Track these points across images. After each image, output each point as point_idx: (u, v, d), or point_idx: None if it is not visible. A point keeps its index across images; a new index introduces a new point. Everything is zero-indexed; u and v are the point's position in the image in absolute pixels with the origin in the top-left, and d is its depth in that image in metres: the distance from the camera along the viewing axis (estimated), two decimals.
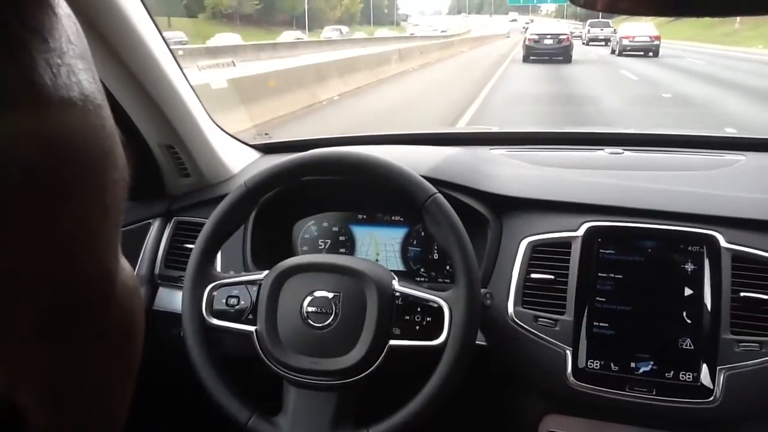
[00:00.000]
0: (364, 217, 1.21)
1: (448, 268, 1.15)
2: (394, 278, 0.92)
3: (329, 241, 1.21)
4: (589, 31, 26.28)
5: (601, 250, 0.98)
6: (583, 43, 24.87)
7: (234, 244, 1.10)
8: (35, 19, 0.21)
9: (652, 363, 0.93)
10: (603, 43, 23.80)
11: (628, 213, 1.00)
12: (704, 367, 0.90)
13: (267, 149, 1.40)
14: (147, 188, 1.22)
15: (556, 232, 1.01)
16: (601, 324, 0.96)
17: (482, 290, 0.90)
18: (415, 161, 1.05)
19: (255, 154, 1.37)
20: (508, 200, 1.08)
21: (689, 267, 0.94)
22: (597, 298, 0.96)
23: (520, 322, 0.98)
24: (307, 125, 6.84)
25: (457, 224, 0.88)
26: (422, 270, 1.17)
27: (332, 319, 0.90)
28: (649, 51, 17.72)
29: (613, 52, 19.24)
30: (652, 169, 1.17)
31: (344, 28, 39.74)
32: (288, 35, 30.34)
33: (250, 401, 0.91)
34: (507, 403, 1.14)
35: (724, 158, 1.22)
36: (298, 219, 1.23)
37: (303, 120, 7.11)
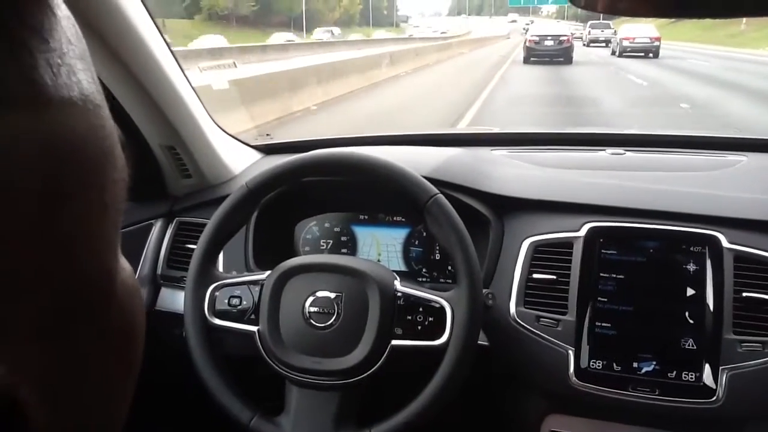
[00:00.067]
0: (366, 217, 1.21)
1: (449, 268, 1.15)
2: (396, 278, 0.92)
3: (331, 241, 1.21)
4: (589, 32, 26.31)
5: (603, 251, 0.98)
6: (584, 45, 24.90)
7: (236, 245, 1.10)
8: (35, 19, 0.21)
9: (654, 363, 0.93)
10: (604, 44, 23.82)
11: (629, 213, 1.00)
12: (707, 367, 0.90)
13: (268, 150, 1.40)
14: (149, 189, 1.23)
15: (557, 232, 1.01)
16: (604, 324, 0.96)
17: (484, 290, 0.90)
18: (416, 162, 1.05)
19: (256, 155, 1.38)
20: (509, 201, 1.08)
21: (691, 267, 0.94)
22: (599, 299, 0.96)
23: (522, 323, 0.98)
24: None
25: (458, 225, 0.88)
26: (424, 270, 1.17)
27: (334, 319, 0.90)
28: (649, 52, 17.73)
29: (613, 53, 19.26)
30: (654, 169, 1.17)
31: (336, 30, 38.60)
32: (278, 37, 28.89)
33: (252, 401, 0.91)
34: (509, 403, 1.14)
35: (726, 159, 1.22)
36: (300, 219, 1.23)
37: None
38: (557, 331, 0.96)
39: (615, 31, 22.12)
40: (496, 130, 1.59)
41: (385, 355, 0.87)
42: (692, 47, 22.96)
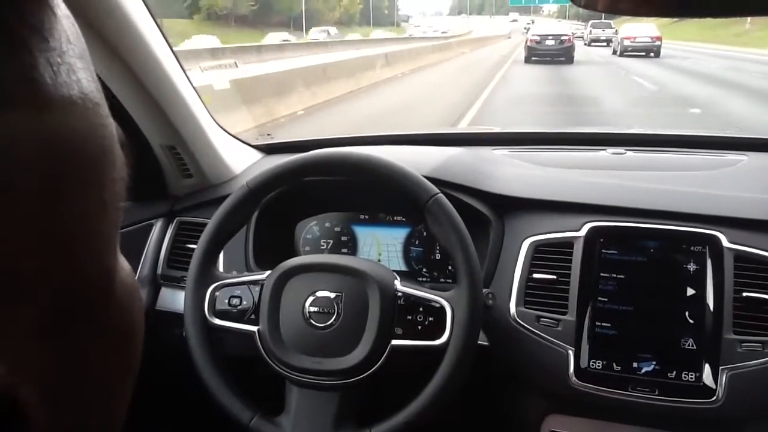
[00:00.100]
0: (366, 217, 1.21)
1: (450, 268, 1.15)
2: (396, 278, 0.92)
3: (331, 241, 1.21)
4: (590, 32, 26.30)
5: (603, 250, 0.98)
6: (585, 44, 24.89)
7: (236, 245, 1.10)
8: (35, 18, 0.21)
9: (654, 363, 0.93)
10: (605, 43, 23.81)
11: (630, 213, 1.00)
12: (707, 367, 0.90)
13: (269, 150, 1.40)
14: (149, 189, 1.23)
15: (558, 232, 1.01)
16: (604, 324, 0.96)
17: (484, 290, 0.90)
18: (417, 161, 1.05)
19: (257, 155, 1.38)
20: (510, 200, 1.08)
21: (691, 267, 0.94)
22: (599, 298, 0.96)
23: (522, 322, 0.98)
24: None
25: (459, 224, 0.88)
26: (424, 270, 1.17)
27: (334, 319, 0.90)
28: (650, 51, 17.71)
29: (614, 52, 19.24)
30: (655, 169, 1.17)
31: (333, 29, 36.68)
32: (274, 37, 27.66)
33: (252, 401, 0.91)
34: (509, 403, 1.14)
35: (727, 158, 1.22)
36: (301, 219, 1.23)
37: None
38: (557, 331, 0.96)
39: (616, 31, 22.11)
40: (497, 129, 1.59)
41: (385, 354, 0.87)
42: (696, 47, 22.89)
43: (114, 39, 0.94)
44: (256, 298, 0.94)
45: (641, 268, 0.96)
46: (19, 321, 0.20)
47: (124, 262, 0.27)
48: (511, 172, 1.16)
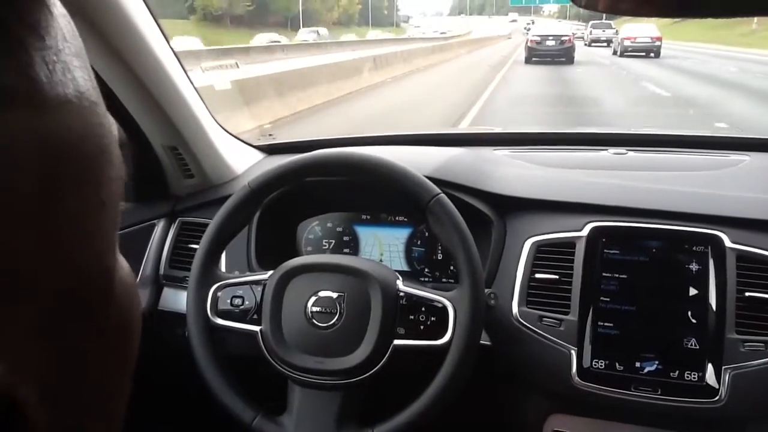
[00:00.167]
0: (368, 217, 1.21)
1: (452, 268, 1.15)
2: (399, 278, 0.92)
3: (333, 241, 1.21)
4: (591, 32, 26.32)
5: (605, 250, 0.98)
6: (585, 45, 24.91)
7: (238, 245, 1.10)
8: (33, 17, 0.21)
9: (657, 363, 0.93)
10: (605, 44, 23.82)
11: (632, 213, 1.00)
12: (709, 367, 0.90)
13: (270, 150, 1.40)
14: (151, 189, 1.23)
15: (560, 232, 1.01)
16: (606, 324, 0.96)
17: (486, 290, 0.90)
18: (418, 162, 1.05)
19: (259, 155, 1.38)
20: (511, 201, 1.08)
21: (694, 267, 0.94)
22: (601, 298, 0.96)
23: (524, 322, 0.98)
24: None
25: (460, 224, 0.88)
26: (426, 270, 1.17)
27: (337, 319, 0.90)
28: (650, 52, 17.73)
29: (615, 53, 19.25)
30: (656, 169, 1.17)
31: (323, 30, 35.00)
32: (263, 38, 26.06)
33: (254, 401, 0.91)
34: (511, 402, 1.13)
35: (728, 158, 1.22)
36: (302, 219, 1.23)
37: None
38: (560, 330, 0.96)
39: (616, 31, 22.12)
40: (498, 129, 1.59)
41: (387, 354, 0.87)
42: (697, 47, 22.86)
43: (116, 40, 0.94)
44: (259, 298, 0.94)
45: (643, 268, 0.96)
46: (19, 321, 0.20)
47: (122, 261, 0.27)
48: (513, 173, 1.16)
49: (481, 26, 55.79)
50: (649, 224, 0.98)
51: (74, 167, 0.22)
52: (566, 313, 0.96)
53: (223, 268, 1.08)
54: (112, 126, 0.25)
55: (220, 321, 0.93)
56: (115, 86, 1.01)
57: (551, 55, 16.07)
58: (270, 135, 1.53)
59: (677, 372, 0.92)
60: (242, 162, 1.30)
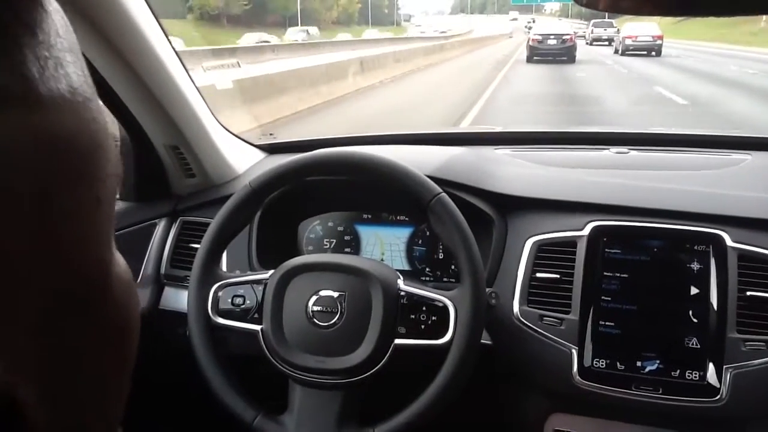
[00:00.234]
0: (369, 216, 1.21)
1: (453, 267, 1.15)
2: (400, 277, 0.92)
3: (334, 240, 1.21)
4: (592, 31, 26.31)
5: (606, 250, 0.98)
6: (587, 43, 24.89)
7: (239, 244, 1.10)
8: (29, 15, 0.21)
9: (658, 362, 0.93)
10: (606, 42, 23.80)
11: (633, 212, 1.00)
12: (711, 366, 0.90)
13: (272, 149, 1.40)
14: (152, 188, 1.23)
15: (561, 231, 1.01)
16: (607, 323, 0.95)
17: (487, 290, 0.90)
18: (419, 161, 1.05)
19: (260, 155, 1.38)
20: (513, 200, 1.08)
21: (695, 266, 0.94)
22: (603, 298, 0.96)
23: (525, 322, 0.98)
24: None
25: (462, 224, 0.88)
26: (427, 269, 1.17)
27: (338, 318, 0.90)
28: (651, 50, 17.73)
29: (616, 51, 19.23)
30: (658, 168, 1.17)
31: (313, 29, 33.88)
32: (250, 38, 24.75)
33: (255, 400, 0.91)
34: (512, 402, 1.13)
35: (730, 157, 1.21)
36: (303, 219, 1.23)
37: None
38: (560, 330, 0.96)
39: (618, 30, 22.08)
40: (499, 129, 1.58)
41: (388, 354, 0.87)
42: (699, 46, 22.80)
43: (118, 40, 0.94)
44: (260, 298, 0.94)
45: (644, 268, 0.96)
46: (18, 320, 0.20)
47: (119, 258, 0.27)
48: (514, 172, 1.16)
49: (482, 25, 55.74)
50: (651, 223, 0.98)
51: (69, 164, 0.22)
52: (567, 313, 0.96)
53: (224, 268, 1.08)
54: (107, 122, 0.24)
55: (221, 320, 0.93)
56: (117, 86, 1.01)
57: (553, 54, 16.06)
58: (271, 134, 1.53)
59: (678, 371, 0.92)
60: (243, 161, 1.30)
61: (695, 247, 0.95)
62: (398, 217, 1.19)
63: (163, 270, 1.20)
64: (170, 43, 1.05)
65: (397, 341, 0.88)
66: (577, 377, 0.94)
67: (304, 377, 0.89)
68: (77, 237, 0.23)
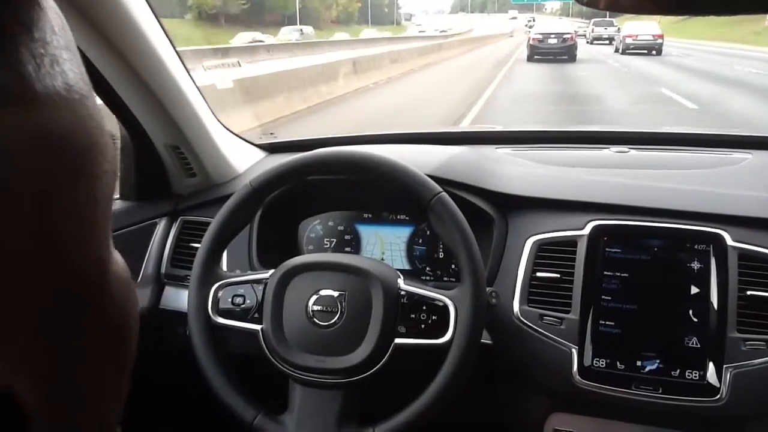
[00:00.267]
0: (370, 216, 1.21)
1: (453, 266, 1.15)
2: (400, 277, 0.92)
3: (334, 240, 1.21)
4: (593, 30, 26.28)
5: (607, 249, 0.98)
6: (588, 42, 24.86)
7: (240, 244, 1.10)
8: (26, 14, 0.21)
9: (658, 361, 0.93)
10: (607, 41, 23.78)
11: (634, 212, 1.00)
12: (711, 366, 0.90)
13: (272, 149, 1.40)
14: (153, 188, 1.23)
15: (561, 230, 1.01)
16: (607, 322, 0.95)
17: (488, 289, 0.90)
18: (420, 160, 1.05)
19: (260, 154, 1.38)
20: (513, 199, 1.08)
21: (695, 265, 0.94)
22: (603, 297, 0.96)
23: (525, 321, 0.98)
24: None
25: (462, 223, 0.88)
26: (428, 269, 1.17)
27: (338, 318, 0.90)
28: (652, 49, 17.72)
29: (617, 50, 19.22)
30: (658, 167, 1.17)
31: (307, 28, 32.45)
32: (244, 37, 24.03)
33: (255, 400, 0.91)
34: (512, 401, 1.13)
35: (731, 156, 1.21)
36: (304, 218, 1.23)
37: None
38: (561, 329, 0.96)
39: (618, 29, 22.06)
40: (499, 128, 1.58)
41: (388, 353, 0.87)
42: (700, 44, 22.76)
43: (118, 39, 0.94)
44: (260, 297, 0.94)
45: (645, 267, 0.96)
46: (18, 319, 0.20)
47: (118, 257, 0.27)
48: (515, 171, 1.16)
49: (482, 24, 55.71)
50: (651, 223, 0.97)
51: (66, 162, 0.22)
52: (567, 312, 0.96)
53: (224, 267, 1.08)
54: (103, 119, 0.24)
55: (221, 320, 0.93)
56: (117, 85, 1.01)
57: (553, 53, 16.05)
58: (271, 134, 1.53)
59: (678, 371, 0.92)
60: (244, 161, 1.30)
61: (695, 247, 0.95)
62: (398, 217, 1.19)
63: (163, 269, 1.20)
64: (171, 42, 1.06)
65: (398, 341, 0.88)
66: (577, 377, 0.94)
67: (304, 377, 0.89)
68: (76, 236, 0.23)
